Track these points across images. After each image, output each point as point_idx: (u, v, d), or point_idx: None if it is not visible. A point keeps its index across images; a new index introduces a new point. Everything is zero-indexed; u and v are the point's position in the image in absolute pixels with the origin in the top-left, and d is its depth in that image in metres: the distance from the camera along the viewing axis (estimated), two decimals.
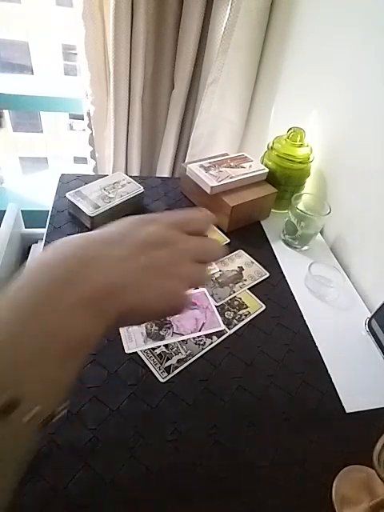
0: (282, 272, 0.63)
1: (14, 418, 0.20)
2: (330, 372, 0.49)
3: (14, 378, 0.21)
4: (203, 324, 0.52)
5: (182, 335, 0.50)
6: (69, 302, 0.23)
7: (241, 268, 0.61)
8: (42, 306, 0.22)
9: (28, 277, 0.24)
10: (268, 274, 0.61)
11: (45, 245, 0.60)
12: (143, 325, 0.50)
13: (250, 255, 0.64)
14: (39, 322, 0.22)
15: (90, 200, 0.64)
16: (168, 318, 0.51)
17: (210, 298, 0.56)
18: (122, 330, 0.49)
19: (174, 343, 0.48)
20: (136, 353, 0.47)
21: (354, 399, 0.46)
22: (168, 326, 0.51)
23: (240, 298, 0.56)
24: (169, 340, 0.49)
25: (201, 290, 0.56)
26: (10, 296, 0.23)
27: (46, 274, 0.24)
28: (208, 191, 0.65)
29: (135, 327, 0.49)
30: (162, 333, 0.50)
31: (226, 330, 0.51)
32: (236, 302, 0.56)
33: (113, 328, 0.24)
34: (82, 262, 0.24)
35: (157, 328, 0.50)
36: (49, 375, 0.22)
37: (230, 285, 0.58)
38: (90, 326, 0.23)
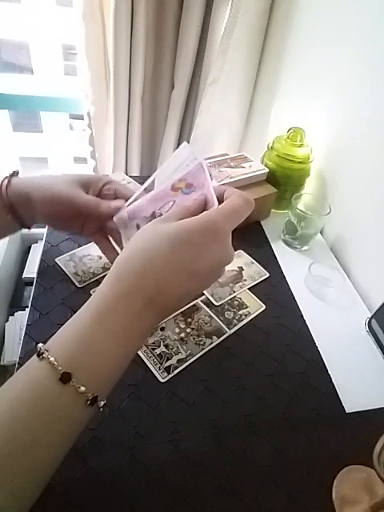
0: (282, 272, 0.63)
1: None
2: (330, 372, 0.49)
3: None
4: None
5: None
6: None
7: (241, 268, 0.61)
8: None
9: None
10: (268, 274, 0.61)
11: (45, 245, 0.60)
12: None
13: (249, 255, 0.64)
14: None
15: None
16: (164, 211, 0.41)
17: (207, 172, 0.40)
18: None
19: (174, 343, 0.48)
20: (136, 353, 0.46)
21: (353, 399, 0.46)
22: None
23: (240, 298, 0.56)
24: None
25: (196, 161, 0.40)
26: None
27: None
28: None
29: None
30: None
31: (226, 329, 0.51)
32: (236, 302, 0.56)
33: None
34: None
35: None
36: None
37: (230, 285, 0.58)
38: None
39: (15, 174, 0.48)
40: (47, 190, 0.46)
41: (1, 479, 0.25)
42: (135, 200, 0.46)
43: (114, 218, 0.45)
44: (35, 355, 0.29)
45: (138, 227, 0.44)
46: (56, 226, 0.53)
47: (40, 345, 0.29)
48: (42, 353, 0.28)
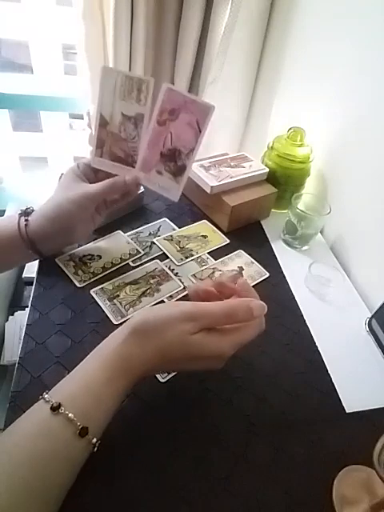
0: (282, 272, 0.63)
1: None
2: (330, 372, 0.49)
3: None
4: (197, 121, 0.46)
5: (193, 150, 0.47)
6: None
7: (241, 268, 0.61)
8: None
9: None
10: (268, 274, 0.61)
11: None
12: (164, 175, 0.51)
13: (249, 255, 0.64)
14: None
15: None
16: (169, 146, 0.49)
17: (179, 89, 0.47)
18: None
19: None
20: None
21: (353, 399, 0.46)
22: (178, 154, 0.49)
23: None
24: (190, 165, 0.48)
25: (163, 88, 0.47)
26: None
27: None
28: (208, 191, 0.65)
29: None
30: (179, 163, 0.49)
31: None
32: None
33: None
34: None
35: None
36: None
37: None
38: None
39: (29, 210, 0.51)
40: (61, 201, 0.50)
41: None
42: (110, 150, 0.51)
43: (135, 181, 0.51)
44: (48, 408, 0.32)
45: (159, 172, 0.51)
46: (83, 231, 0.54)
47: (47, 396, 0.33)
48: (57, 407, 0.32)
